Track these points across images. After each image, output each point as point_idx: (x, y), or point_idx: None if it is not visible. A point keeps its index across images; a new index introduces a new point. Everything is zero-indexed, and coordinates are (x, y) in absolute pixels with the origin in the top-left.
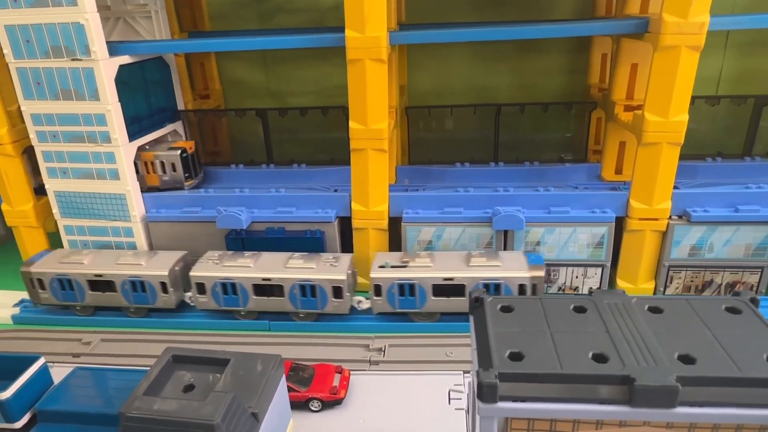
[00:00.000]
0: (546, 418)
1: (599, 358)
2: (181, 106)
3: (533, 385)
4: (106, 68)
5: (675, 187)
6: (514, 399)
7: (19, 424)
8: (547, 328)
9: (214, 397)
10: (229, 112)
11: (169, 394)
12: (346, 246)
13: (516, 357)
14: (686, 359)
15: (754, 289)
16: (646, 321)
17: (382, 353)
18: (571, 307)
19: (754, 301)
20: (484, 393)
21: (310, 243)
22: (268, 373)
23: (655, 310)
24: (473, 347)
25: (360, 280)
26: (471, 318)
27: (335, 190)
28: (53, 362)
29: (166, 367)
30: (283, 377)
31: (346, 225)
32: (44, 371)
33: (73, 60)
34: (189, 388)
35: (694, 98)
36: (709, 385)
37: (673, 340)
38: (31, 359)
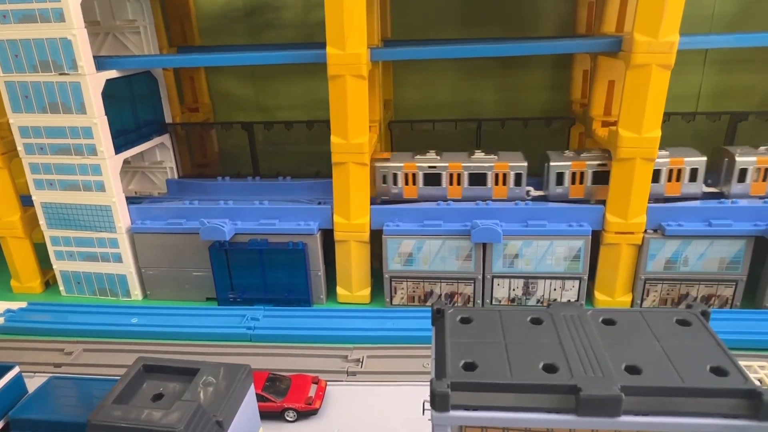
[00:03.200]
0: (497, 427)
1: (549, 369)
2: (169, 120)
3: (484, 394)
4: (93, 82)
5: (651, 201)
6: (467, 408)
7: None
8: (503, 339)
9: (179, 405)
10: (216, 126)
11: (138, 403)
12: (329, 258)
13: (470, 367)
14: (632, 370)
15: (729, 302)
16: (599, 333)
17: (360, 364)
18: (528, 319)
19: (705, 314)
20: (437, 402)
21: (292, 255)
22: (235, 383)
23: (608, 322)
24: (432, 357)
25: (341, 291)
26: (433, 329)
27: (319, 203)
28: (34, 372)
29: (137, 376)
30: (252, 387)
31: (328, 237)
32: (18, 380)
33: (60, 74)
34: (158, 397)
35: (670, 114)
36: (652, 395)
37: (622, 351)
38: (5, 368)
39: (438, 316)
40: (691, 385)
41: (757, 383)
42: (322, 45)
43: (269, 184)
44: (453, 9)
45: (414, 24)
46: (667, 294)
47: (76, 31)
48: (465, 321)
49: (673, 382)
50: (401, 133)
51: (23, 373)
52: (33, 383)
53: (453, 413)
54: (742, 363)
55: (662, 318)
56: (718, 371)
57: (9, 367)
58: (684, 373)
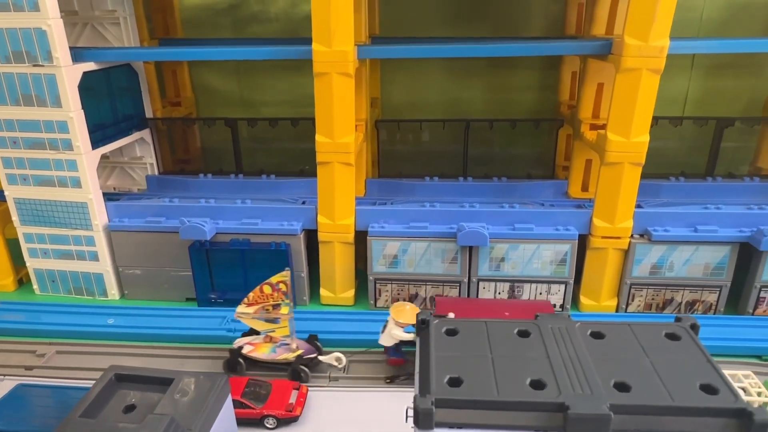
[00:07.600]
0: None
1: (536, 385)
2: (149, 114)
3: (470, 411)
4: (69, 75)
5: (638, 206)
6: (451, 425)
7: None
8: (489, 353)
9: (150, 419)
10: (199, 121)
11: (109, 415)
12: (312, 259)
13: (455, 383)
14: (621, 387)
15: (713, 307)
16: (587, 346)
17: (343, 369)
18: (515, 331)
19: (694, 327)
20: (420, 419)
21: (275, 255)
22: (212, 393)
23: (597, 335)
24: (416, 371)
25: (325, 293)
26: (417, 340)
27: (303, 202)
28: (4, 375)
29: (108, 386)
30: (229, 397)
31: (312, 238)
32: None
33: (34, 66)
34: (130, 408)
35: (657, 118)
36: (642, 414)
37: (611, 366)
38: None
39: (423, 327)
40: (680, 404)
41: (745, 398)
42: (308, 40)
43: (252, 182)
44: (442, 7)
45: (403, 21)
46: (652, 299)
47: (51, 21)
48: (450, 333)
49: (662, 401)
50: (388, 132)
51: None
52: (3, 387)
53: (437, 431)
54: (726, 372)
55: (651, 332)
56: (707, 389)
57: None
58: (673, 391)
